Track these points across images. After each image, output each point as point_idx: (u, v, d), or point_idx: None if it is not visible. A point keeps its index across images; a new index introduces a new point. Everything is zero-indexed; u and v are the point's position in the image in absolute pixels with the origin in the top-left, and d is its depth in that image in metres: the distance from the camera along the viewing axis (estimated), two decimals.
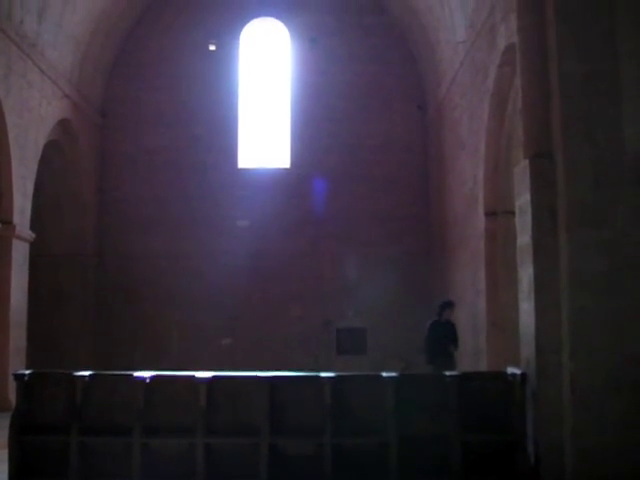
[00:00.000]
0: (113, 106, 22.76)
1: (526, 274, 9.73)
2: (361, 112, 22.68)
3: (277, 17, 23.14)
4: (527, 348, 9.77)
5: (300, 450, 9.63)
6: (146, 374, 9.74)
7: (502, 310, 14.87)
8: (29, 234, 17.75)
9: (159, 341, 21.48)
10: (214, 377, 9.70)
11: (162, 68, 22.70)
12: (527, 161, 9.72)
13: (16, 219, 16.94)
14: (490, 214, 15.64)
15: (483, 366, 15.23)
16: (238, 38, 23.04)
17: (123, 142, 22.68)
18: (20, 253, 17.18)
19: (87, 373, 9.79)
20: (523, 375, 9.57)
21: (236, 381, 9.91)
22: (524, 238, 9.83)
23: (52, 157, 19.74)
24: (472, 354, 16.51)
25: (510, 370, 9.97)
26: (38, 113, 17.95)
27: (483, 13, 15.31)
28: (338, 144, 22.49)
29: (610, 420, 9.08)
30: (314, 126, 22.48)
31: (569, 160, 9.34)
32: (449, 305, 14.52)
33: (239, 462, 9.48)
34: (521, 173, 9.98)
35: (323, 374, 9.79)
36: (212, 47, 22.53)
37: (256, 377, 9.66)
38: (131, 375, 9.80)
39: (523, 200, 9.84)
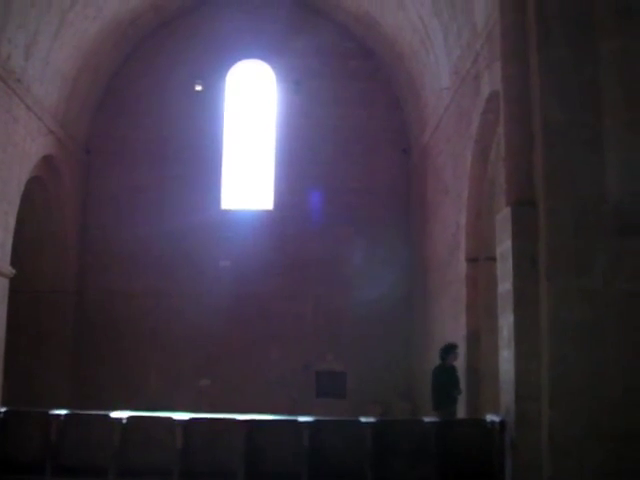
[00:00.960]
0: (98, 143, 22.74)
1: (506, 321, 9.74)
2: (345, 155, 22.74)
3: (263, 59, 23.25)
4: (507, 395, 9.76)
5: None
6: (123, 414, 9.66)
7: (483, 357, 14.83)
8: (9, 270, 17.61)
9: (138, 380, 21.28)
10: (191, 419, 9.65)
11: (148, 106, 22.74)
12: (509, 208, 9.78)
13: None
14: (472, 260, 15.65)
15: (463, 413, 15.15)
16: (224, 79, 23.13)
17: (107, 180, 22.64)
18: None
19: (63, 412, 9.71)
20: (502, 422, 9.56)
21: (213, 423, 9.86)
22: (505, 285, 9.85)
23: (35, 193, 19.66)
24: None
25: (489, 417, 9.96)
26: (22, 148, 17.89)
27: (468, 60, 15.44)
28: (321, 186, 22.52)
29: (589, 468, 9.07)
30: (298, 168, 22.51)
31: (551, 208, 9.40)
32: (452, 349, 14.15)
33: None
34: (503, 220, 10.02)
35: (301, 418, 9.74)
36: (198, 87, 22.60)
37: (233, 420, 9.61)
38: (107, 415, 9.72)
39: (504, 247, 9.88)
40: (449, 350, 14.07)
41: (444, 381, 13.74)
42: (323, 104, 22.84)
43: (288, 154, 22.70)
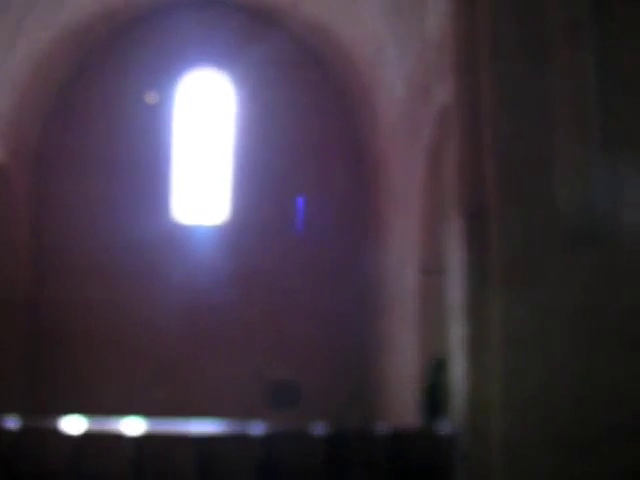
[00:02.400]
0: (50, 152, 22.45)
1: (457, 333, 9.78)
2: (299, 166, 22.69)
3: (217, 68, 23.15)
4: (459, 407, 9.78)
5: None
6: (74, 425, 9.55)
7: None
8: None
9: (91, 390, 21.02)
10: (143, 430, 9.55)
11: (100, 116, 22.49)
12: (460, 220, 9.82)
13: None
14: (423, 272, 15.68)
15: (416, 423, 15.16)
16: (177, 88, 22.95)
17: (59, 189, 22.34)
18: None
19: (13, 424, 9.56)
20: (454, 434, 9.57)
21: (165, 435, 9.75)
22: (455, 297, 9.89)
23: None
24: (405, 411, 16.46)
25: (442, 429, 9.98)
26: None
27: (420, 71, 15.50)
28: (276, 197, 22.47)
29: (541, 479, 9.12)
30: (252, 179, 22.41)
31: (501, 220, 9.46)
32: (440, 365, 13.09)
33: None
34: (454, 232, 10.07)
35: (252, 430, 9.68)
36: (151, 98, 22.43)
37: (184, 433, 9.53)
38: (58, 427, 9.60)
39: (455, 259, 9.92)
40: (436, 367, 13.20)
41: (432, 398, 13.13)
42: (277, 114, 22.79)
43: (242, 165, 22.61)
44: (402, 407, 16.58)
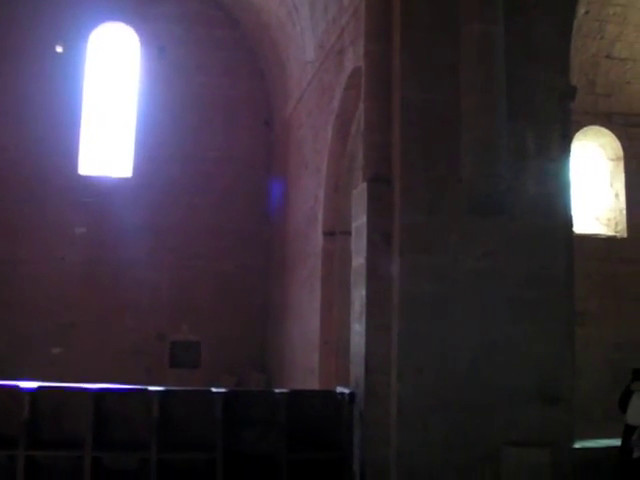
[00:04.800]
0: None
1: (359, 295, 9.88)
2: (206, 124, 22.54)
3: (127, 22, 22.72)
4: (357, 368, 9.91)
5: (125, 464, 9.46)
6: None
7: (335, 329, 14.98)
8: None
9: None
10: (39, 387, 9.42)
11: (8, 64, 21.85)
12: (365, 184, 9.90)
13: None
14: (329, 234, 15.77)
15: (315, 384, 15.32)
16: (86, 41, 22.48)
17: None
18: None
19: None
20: (352, 394, 9.69)
21: (61, 392, 9.63)
22: (358, 260, 9.99)
23: None
24: (304, 372, 16.61)
25: (339, 389, 10.09)
26: None
27: (333, 35, 15.48)
28: (181, 155, 22.27)
29: (434, 440, 9.33)
30: (158, 136, 22.16)
31: (405, 185, 9.57)
32: None
33: (62, 476, 9.22)
34: (359, 196, 10.15)
35: (151, 388, 9.65)
36: (59, 49, 21.88)
37: (81, 388, 9.43)
38: None
39: (359, 222, 10.01)
40: None
41: None
42: (186, 72, 22.55)
43: (148, 121, 22.31)
44: (304, 367, 16.71)
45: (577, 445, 9.68)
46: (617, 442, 8.87)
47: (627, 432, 8.07)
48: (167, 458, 9.30)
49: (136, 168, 22.28)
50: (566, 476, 8.80)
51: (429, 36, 9.97)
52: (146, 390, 9.62)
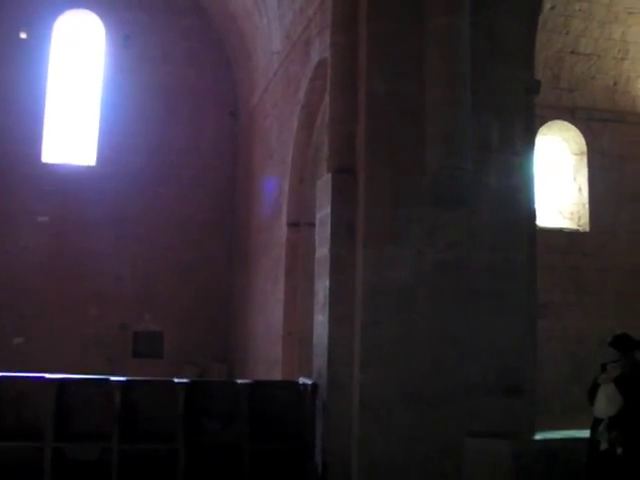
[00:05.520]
0: None
1: (322, 286, 9.89)
2: (171, 114, 22.42)
3: (92, 10, 22.52)
4: (319, 359, 9.92)
5: (87, 455, 9.42)
6: None
7: (299, 320, 15.00)
8: None
9: None
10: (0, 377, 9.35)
11: None
12: (329, 175, 9.90)
13: None
14: (293, 225, 15.78)
15: (278, 375, 15.33)
16: (51, 28, 22.24)
17: None
18: None
19: None
20: (314, 385, 9.71)
21: (22, 382, 9.57)
22: (322, 251, 9.99)
23: None
24: (267, 363, 16.61)
25: (302, 380, 10.10)
26: None
27: (300, 26, 15.46)
28: (146, 144, 22.14)
29: (397, 431, 9.35)
30: (123, 124, 21.99)
31: (370, 177, 9.57)
32: None
33: (23, 467, 9.15)
34: (323, 187, 10.15)
35: (113, 378, 9.60)
36: (23, 35, 21.62)
37: (43, 378, 9.37)
38: None
39: (324, 213, 10.01)
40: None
41: None
42: (152, 61, 22.40)
43: (113, 109, 22.14)
44: (267, 358, 16.71)
45: (538, 436, 9.76)
46: (577, 433, 8.95)
47: (594, 425, 8.15)
48: (129, 448, 9.27)
49: (100, 157, 22.10)
50: (527, 467, 8.85)
51: (396, 28, 9.97)
52: (108, 380, 9.58)
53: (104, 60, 22.57)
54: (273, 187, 17.20)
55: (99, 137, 22.23)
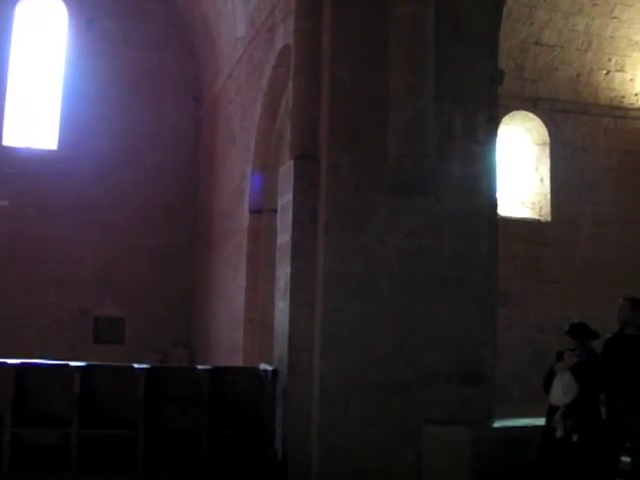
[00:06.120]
0: None
1: (283, 273, 9.89)
2: (134, 98, 22.24)
3: None
4: (280, 345, 9.93)
5: (45, 440, 9.37)
6: None
7: (260, 307, 14.99)
8: None
9: None
10: None
11: None
12: (292, 162, 9.89)
13: None
14: (255, 211, 15.76)
15: (239, 361, 15.32)
16: (13, 10, 21.97)
17: None
18: None
19: None
20: (275, 371, 9.72)
21: None
22: (284, 237, 9.98)
23: None
24: (228, 349, 16.60)
25: (262, 366, 10.11)
26: None
27: (264, 12, 15.40)
28: (109, 129, 21.95)
29: (356, 418, 9.39)
30: (86, 109, 21.77)
31: (332, 163, 9.57)
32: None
33: None
34: (285, 173, 10.13)
35: (72, 363, 9.55)
36: None
37: (1, 363, 9.29)
38: None
39: (286, 200, 10.00)
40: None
41: None
42: (115, 45, 22.19)
43: (75, 93, 21.90)
44: (229, 345, 16.70)
45: (497, 424, 9.83)
46: (536, 421, 9.03)
47: (550, 412, 8.23)
48: (88, 434, 9.22)
49: (62, 141, 21.90)
50: (485, 453, 8.92)
51: (360, 15, 9.95)
52: (67, 365, 9.52)
53: (67, 43, 22.32)
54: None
55: (61, 121, 22.02)
